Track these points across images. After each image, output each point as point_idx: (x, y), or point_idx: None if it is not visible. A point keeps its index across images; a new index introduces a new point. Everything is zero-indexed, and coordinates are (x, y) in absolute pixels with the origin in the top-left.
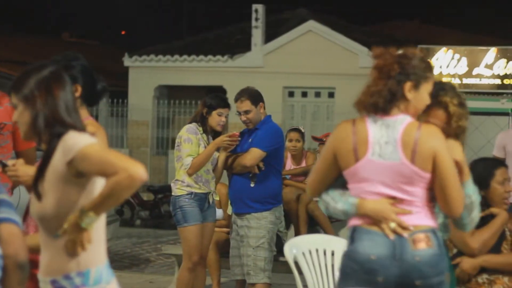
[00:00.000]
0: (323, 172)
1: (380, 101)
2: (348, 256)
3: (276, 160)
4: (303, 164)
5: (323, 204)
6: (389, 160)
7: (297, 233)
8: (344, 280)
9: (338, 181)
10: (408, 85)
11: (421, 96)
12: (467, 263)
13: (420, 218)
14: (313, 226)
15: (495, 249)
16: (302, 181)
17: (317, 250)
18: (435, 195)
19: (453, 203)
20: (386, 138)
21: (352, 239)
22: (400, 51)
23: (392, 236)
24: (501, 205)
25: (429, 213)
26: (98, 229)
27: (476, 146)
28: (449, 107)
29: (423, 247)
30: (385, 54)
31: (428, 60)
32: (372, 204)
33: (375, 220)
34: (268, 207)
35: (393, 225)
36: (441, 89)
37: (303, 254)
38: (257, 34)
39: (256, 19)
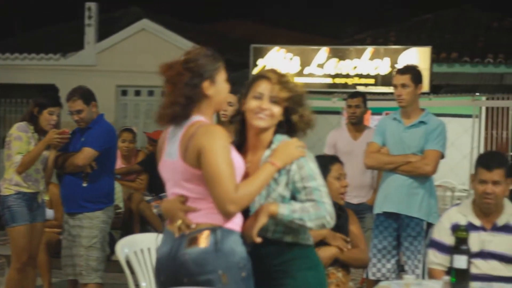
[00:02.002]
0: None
1: (177, 109)
2: None
3: (109, 159)
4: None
5: None
6: (172, 158)
7: (130, 232)
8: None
9: None
10: (206, 84)
11: (220, 87)
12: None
13: (204, 215)
14: (146, 224)
15: None
16: (133, 180)
17: (149, 249)
18: None
19: (217, 200)
20: (175, 138)
21: None
22: (184, 57)
23: (177, 234)
24: (338, 200)
25: (216, 210)
26: None
27: (308, 144)
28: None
29: (194, 245)
30: (172, 66)
31: (211, 50)
32: (164, 204)
33: (171, 219)
34: (100, 206)
35: (178, 223)
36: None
37: (135, 253)
38: (90, 32)
39: (89, 17)
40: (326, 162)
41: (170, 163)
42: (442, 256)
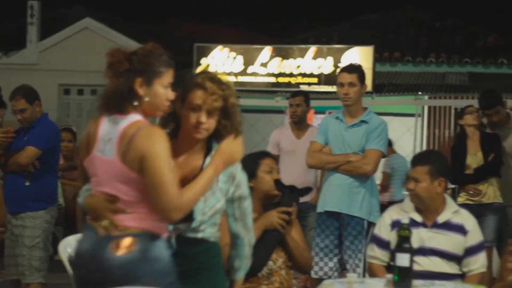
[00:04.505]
0: (81, 167)
1: (111, 101)
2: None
3: (52, 158)
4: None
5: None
6: (107, 157)
7: (73, 231)
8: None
9: None
10: (138, 82)
11: (155, 92)
12: None
13: (133, 219)
14: None
15: None
16: (76, 179)
17: None
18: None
19: (161, 207)
20: (110, 135)
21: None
22: (135, 49)
23: (102, 234)
24: (272, 192)
25: (148, 215)
26: None
27: (251, 143)
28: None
29: (121, 251)
30: (116, 52)
31: (165, 54)
32: (90, 199)
33: (95, 216)
34: (43, 206)
35: (105, 223)
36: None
37: None
38: (32, 31)
39: (32, 16)
40: (255, 158)
41: (103, 160)
42: (380, 252)
